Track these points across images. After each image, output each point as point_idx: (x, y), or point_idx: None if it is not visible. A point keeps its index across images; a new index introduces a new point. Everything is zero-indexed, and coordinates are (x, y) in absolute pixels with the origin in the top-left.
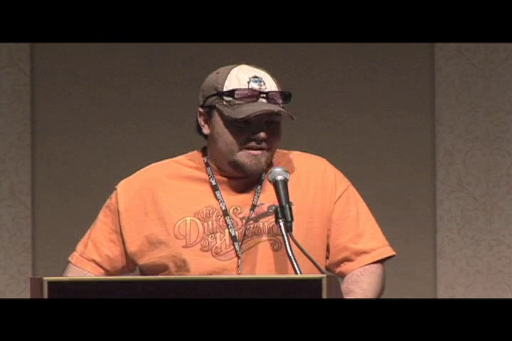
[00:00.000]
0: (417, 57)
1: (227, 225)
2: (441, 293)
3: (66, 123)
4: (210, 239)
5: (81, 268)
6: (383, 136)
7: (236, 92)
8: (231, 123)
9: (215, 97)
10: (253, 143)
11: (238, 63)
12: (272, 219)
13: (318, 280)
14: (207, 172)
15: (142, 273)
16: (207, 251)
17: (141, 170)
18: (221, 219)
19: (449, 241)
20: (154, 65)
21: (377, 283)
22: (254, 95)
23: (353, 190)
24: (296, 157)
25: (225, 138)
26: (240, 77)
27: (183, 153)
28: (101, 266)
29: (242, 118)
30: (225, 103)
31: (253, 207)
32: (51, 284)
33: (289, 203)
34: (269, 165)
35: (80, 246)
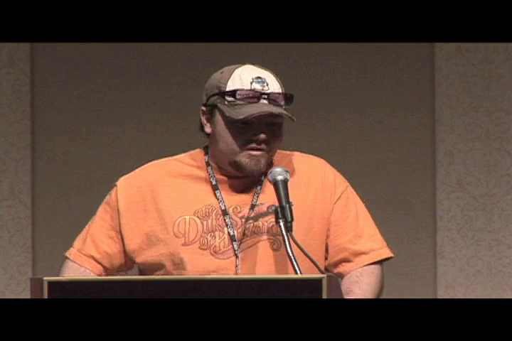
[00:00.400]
0: (417, 57)
1: (227, 224)
2: (441, 293)
3: (66, 123)
4: (209, 238)
5: (79, 265)
6: (383, 136)
7: (238, 93)
8: (232, 124)
9: (217, 97)
10: (253, 144)
11: (243, 63)
12: (271, 219)
13: (318, 280)
14: (207, 172)
15: (140, 270)
16: (205, 249)
17: (142, 167)
18: (220, 218)
19: (449, 241)
20: (154, 64)
21: (376, 283)
22: (255, 96)
23: (351, 191)
24: (296, 158)
25: (226, 138)
26: (243, 77)
27: (183, 153)
28: (100, 263)
29: (242, 119)
30: (226, 103)
31: (252, 206)
32: (51, 284)
33: (289, 203)
34: (269, 165)
35: (77, 242)
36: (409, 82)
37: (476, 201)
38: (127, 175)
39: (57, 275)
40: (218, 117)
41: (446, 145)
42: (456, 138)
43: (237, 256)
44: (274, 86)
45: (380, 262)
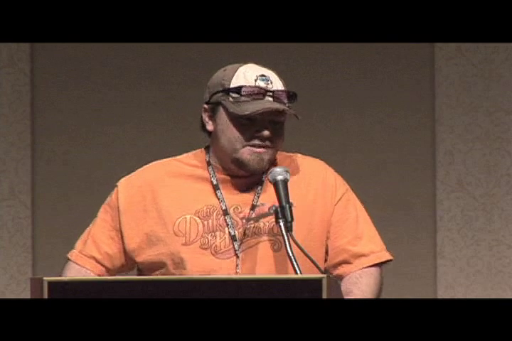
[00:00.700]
0: (417, 57)
1: (227, 224)
2: (441, 293)
3: (66, 123)
4: (209, 238)
5: (80, 266)
6: (383, 136)
7: (243, 89)
8: (236, 120)
9: (221, 94)
10: (256, 141)
11: (245, 62)
12: (272, 219)
13: (318, 280)
14: (208, 171)
15: (139, 270)
16: (206, 249)
17: (143, 168)
18: (221, 218)
19: (449, 241)
20: (154, 64)
21: (376, 285)
22: (260, 93)
23: (352, 193)
24: (297, 159)
25: (229, 134)
26: (247, 74)
27: (184, 153)
28: (101, 264)
29: (247, 115)
30: (231, 99)
31: (253, 207)
32: (51, 284)
33: (289, 203)
34: (272, 165)
35: (79, 244)
36: (409, 82)
37: (476, 201)
38: (128, 176)
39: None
40: (221, 114)
41: (446, 145)
42: (456, 138)
43: (237, 256)
44: (277, 84)
45: (379, 265)
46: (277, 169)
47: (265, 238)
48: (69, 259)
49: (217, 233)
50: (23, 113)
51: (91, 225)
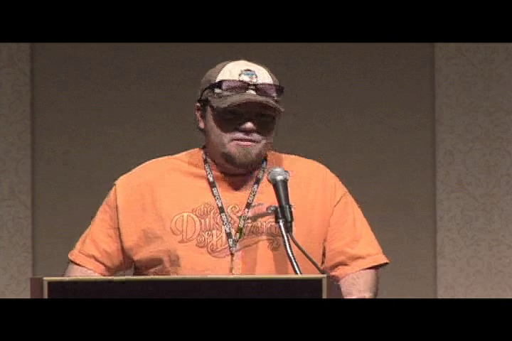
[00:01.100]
0: (417, 57)
1: (223, 222)
2: (441, 293)
3: (66, 123)
4: (206, 236)
5: (81, 266)
6: (383, 136)
7: (224, 83)
8: (221, 115)
9: (208, 90)
10: (241, 135)
11: (238, 59)
12: (270, 219)
13: (318, 280)
14: (205, 169)
15: (136, 268)
16: (202, 247)
17: (141, 166)
18: (218, 217)
19: (449, 241)
20: (154, 64)
21: (373, 285)
22: (242, 86)
23: (349, 196)
24: (295, 160)
25: (216, 130)
26: (233, 70)
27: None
28: (101, 262)
29: (225, 107)
30: (215, 95)
31: (248, 205)
32: (51, 284)
33: (289, 203)
34: (262, 159)
35: (79, 244)
36: (409, 82)
37: (476, 201)
38: (126, 175)
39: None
40: (209, 111)
41: (446, 145)
42: (456, 138)
43: (232, 254)
44: (264, 78)
45: (375, 267)
46: (277, 169)
47: (263, 237)
48: (70, 261)
49: (214, 231)
50: (23, 113)
51: (90, 225)
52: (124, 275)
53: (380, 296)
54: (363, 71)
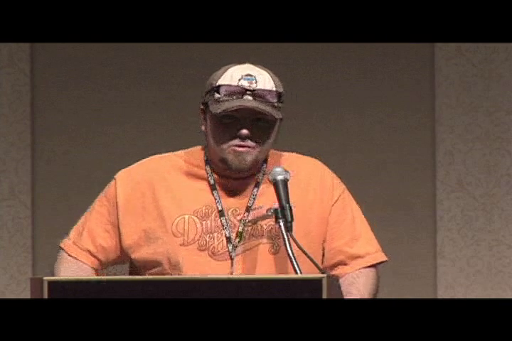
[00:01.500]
0: (417, 57)
1: (223, 226)
2: (441, 293)
3: (66, 123)
4: (207, 239)
5: (75, 258)
6: (383, 136)
7: (222, 88)
8: (219, 120)
9: (209, 94)
10: (237, 141)
11: (244, 62)
12: (270, 222)
13: (318, 280)
14: (205, 170)
15: (134, 267)
16: (203, 250)
17: (142, 161)
18: (219, 220)
19: (449, 241)
20: (154, 64)
21: (373, 285)
22: (240, 92)
23: (348, 194)
24: (294, 158)
25: (214, 134)
26: (234, 74)
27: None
28: (95, 256)
29: (220, 113)
30: (214, 99)
31: (248, 208)
32: (51, 284)
33: (289, 203)
34: (259, 164)
35: (74, 234)
36: (409, 82)
37: (476, 201)
38: (127, 169)
39: (53, 267)
40: (209, 114)
41: (446, 145)
42: (456, 138)
43: (231, 259)
44: (264, 83)
45: (375, 265)
46: (277, 169)
47: (264, 240)
48: (62, 249)
49: (215, 234)
50: (23, 113)
51: (86, 214)
52: (123, 274)
53: (380, 296)
54: (363, 71)
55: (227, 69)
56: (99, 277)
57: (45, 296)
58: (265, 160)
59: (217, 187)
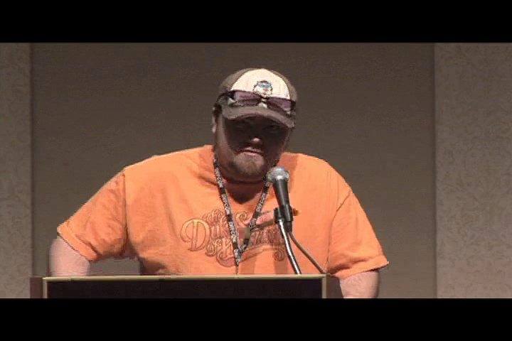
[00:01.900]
0: (417, 57)
1: (230, 231)
2: (441, 293)
3: (66, 123)
4: (215, 244)
5: (76, 251)
6: (383, 136)
7: (237, 94)
8: (231, 125)
9: (223, 97)
10: (249, 147)
11: (259, 67)
12: (276, 227)
13: (318, 280)
14: (215, 174)
15: (143, 268)
16: (212, 255)
17: (151, 159)
18: (227, 224)
19: (449, 241)
20: (154, 64)
21: (374, 288)
22: (255, 99)
23: (353, 196)
24: (301, 159)
25: (224, 138)
26: (249, 79)
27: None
28: (95, 250)
29: (232, 119)
30: (228, 103)
31: (256, 214)
32: (51, 284)
33: (289, 203)
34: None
35: (76, 224)
36: (409, 82)
37: (476, 201)
38: (137, 166)
39: (48, 252)
40: (221, 117)
41: (446, 145)
42: (456, 138)
43: (236, 265)
44: (279, 91)
45: (377, 269)
46: (277, 169)
47: (269, 246)
48: (61, 236)
49: (223, 239)
50: (23, 113)
51: (90, 204)
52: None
53: (380, 296)
54: (363, 71)
55: (243, 74)
56: (99, 277)
57: (45, 296)
58: (274, 165)
59: (226, 191)
